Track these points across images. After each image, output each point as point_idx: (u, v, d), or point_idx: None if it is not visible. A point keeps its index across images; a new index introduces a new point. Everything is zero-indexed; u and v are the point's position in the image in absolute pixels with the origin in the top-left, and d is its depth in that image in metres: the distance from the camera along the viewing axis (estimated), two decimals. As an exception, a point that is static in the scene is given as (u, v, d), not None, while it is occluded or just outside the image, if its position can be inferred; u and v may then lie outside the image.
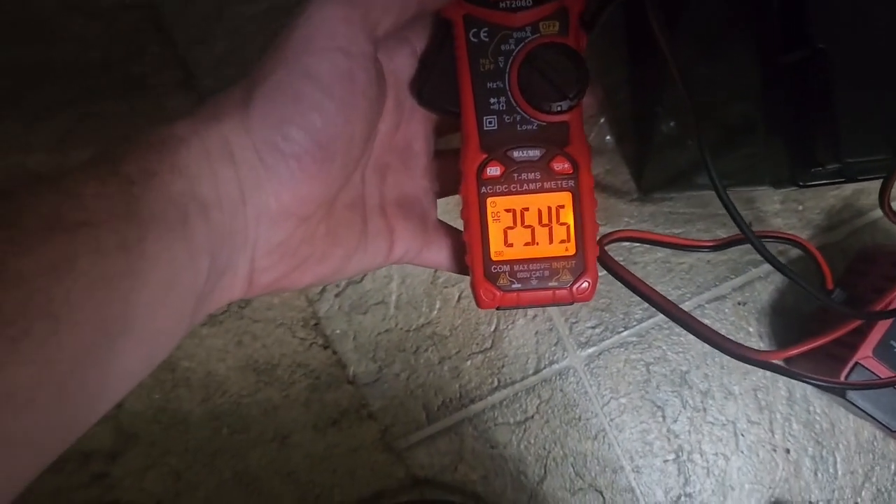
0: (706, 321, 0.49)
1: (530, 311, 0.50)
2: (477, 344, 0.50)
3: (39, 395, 0.19)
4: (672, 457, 0.50)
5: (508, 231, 0.32)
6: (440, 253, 0.35)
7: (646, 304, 0.50)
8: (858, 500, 0.50)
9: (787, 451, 0.50)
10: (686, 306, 0.50)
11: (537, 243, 0.32)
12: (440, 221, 0.35)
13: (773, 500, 0.50)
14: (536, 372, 0.50)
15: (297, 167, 0.26)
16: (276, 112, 0.26)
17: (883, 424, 0.44)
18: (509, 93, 0.31)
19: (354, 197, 0.31)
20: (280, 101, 0.26)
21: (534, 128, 0.31)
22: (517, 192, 0.31)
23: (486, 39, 0.31)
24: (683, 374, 0.50)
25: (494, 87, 0.31)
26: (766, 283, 0.50)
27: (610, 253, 0.36)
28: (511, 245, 0.32)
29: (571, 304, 0.32)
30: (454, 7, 0.31)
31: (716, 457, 0.50)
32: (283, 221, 0.27)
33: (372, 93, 0.28)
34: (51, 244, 0.20)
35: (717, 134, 0.37)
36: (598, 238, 0.33)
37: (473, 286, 0.32)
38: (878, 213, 0.50)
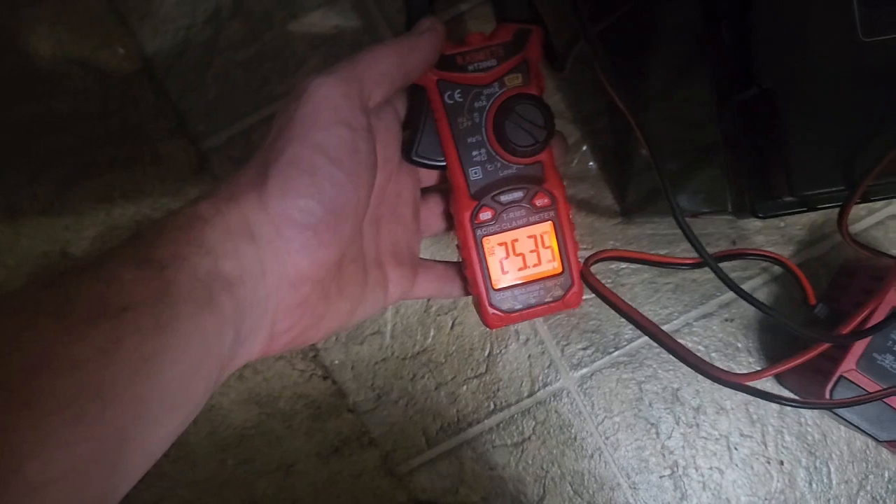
0: (695, 339, 0.50)
1: (522, 336, 0.51)
2: (472, 369, 0.51)
3: (93, 469, 0.21)
4: (668, 472, 0.51)
5: (503, 261, 0.36)
6: (427, 286, 0.39)
7: (635, 325, 0.52)
8: (854, 508, 0.51)
9: (781, 462, 0.51)
10: (674, 325, 0.51)
11: (528, 267, 0.36)
12: (421, 259, 0.39)
13: (769, 511, 0.51)
14: (531, 394, 0.51)
15: (313, 235, 0.28)
16: (291, 187, 0.28)
17: (871, 435, 0.44)
18: (488, 144, 0.35)
19: (356, 252, 0.34)
20: (294, 175, 0.28)
21: (513, 171, 0.36)
22: (507, 229, 0.36)
23: (461, 99, 0.35)
24: (675, 391, 0.51)
25: (474, 141, 0.35)
26: (752, 299, 0.51)
27: (598, 276, 0.38)
28: (507, 273, 0.36)
29: (564, 310, 0.37)
30: (427, 75, 0.35)
31: (711, 471, 0.51)
32: (301, 286, 0.29)
33: (372, 159, 0.31)
34: (99, 330, 0.22)
35: (682, 164, 0.38)
36: (584, 258, 0.38)
37: (481, 313, 0.37)
38: (860, 226, 0.51)
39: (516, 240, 0.36)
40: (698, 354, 0.47)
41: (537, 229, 0.36)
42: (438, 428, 0.52)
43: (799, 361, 0.39)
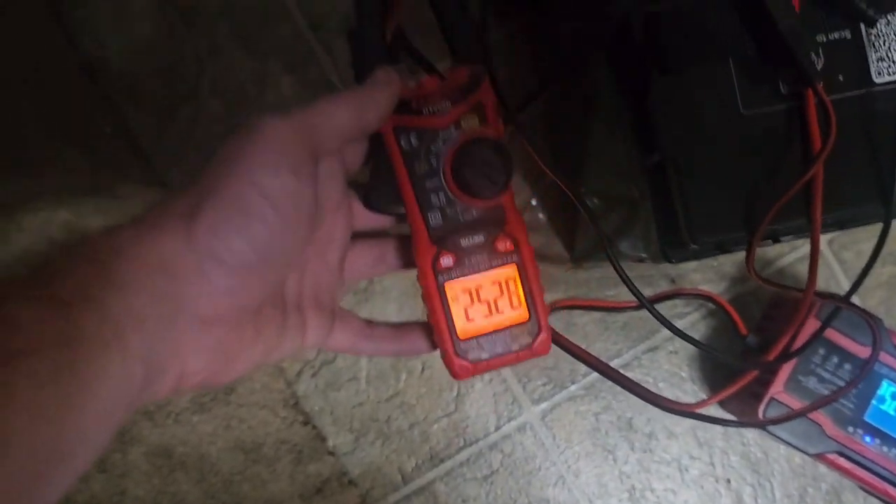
0: (643, 371, 0.55)
1: (486, 375, 0.56)
2: (441, 409, 0.56)
3: None
4: (626, 496, 0.56)
5: (468, 309, 0.35)
6: (341, 337, 0.36)
7: (589, 360, 0.56)
8: (796, 520, 0.56)
9: (728, 480, 0.56)
10: (624, 358, 0.56)
11: (494, 314, 0.35)
12: (340, 308, 0.37)
13: (721, 527, 0.56)
14: (497, 429, 0.56)
15: (237, 278, 0.27)
16: (224, 225, 0.26)
17: (801, 450, 0.49)
18: (446, 188, 0.35)
19: (276, 296, 0.32)
20: (230, 214, 0.26)
21: (473, 215, 0.35)
22: (470, 274, 0.35)
23: (416, 144, 0.34)
24: (629, 420, 0.56)
25: (432, 185, 0.35)
26: (693, 333, 0.56)
27: (552, 316, 0.42)
28: (472, 320, 0.35)
29: (532, 358, 0.36)
30: None
31: (665, 492, 0.56)
32: (217, 328, 0.27)
33: (313, 210, 0.29)
34: None
35: (620, 214, 0.43)
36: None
37: (448, 363, 0.35)
38: (785, 261, 0.56)
39: (480, 286, 0.35)
40: (647, 386, 0.52)
41: (501, 274, 0.35)
42: (413, 465, 0.56)
43: (734, 389, 0.44)
